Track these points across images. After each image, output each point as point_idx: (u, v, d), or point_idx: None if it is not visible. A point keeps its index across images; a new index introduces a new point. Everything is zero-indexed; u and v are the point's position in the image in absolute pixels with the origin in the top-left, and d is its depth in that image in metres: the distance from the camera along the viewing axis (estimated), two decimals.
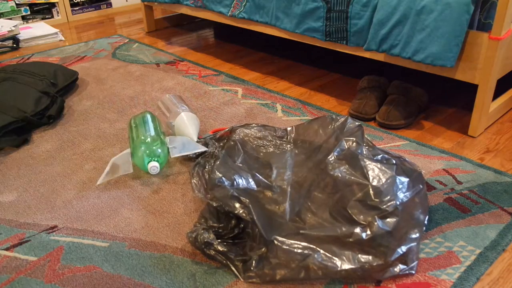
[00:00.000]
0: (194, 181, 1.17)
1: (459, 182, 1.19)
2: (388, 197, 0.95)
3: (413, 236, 0.94)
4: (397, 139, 1.41)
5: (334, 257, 0.90)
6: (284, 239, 0.92)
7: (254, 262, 0.90)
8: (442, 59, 1.33)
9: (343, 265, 0.89)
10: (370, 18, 1.49)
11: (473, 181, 1.20)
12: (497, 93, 1.47)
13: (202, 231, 0.97)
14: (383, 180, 0.98)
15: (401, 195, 0.97)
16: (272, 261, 0.89)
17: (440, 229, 1.04)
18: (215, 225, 1.00)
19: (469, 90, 1.72)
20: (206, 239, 0.95)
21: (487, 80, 1.33)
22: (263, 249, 0.91)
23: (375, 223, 0.92)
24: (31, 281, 0.95)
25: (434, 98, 1.69)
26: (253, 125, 1.34)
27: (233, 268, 0.92)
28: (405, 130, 1.48)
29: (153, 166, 1.23)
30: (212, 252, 0.95)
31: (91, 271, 0.96)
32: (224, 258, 0.94)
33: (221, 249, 0.94)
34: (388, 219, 0.92)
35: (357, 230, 0.92)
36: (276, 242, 0.91)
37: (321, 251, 0.90)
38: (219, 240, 0.95)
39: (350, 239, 0.92)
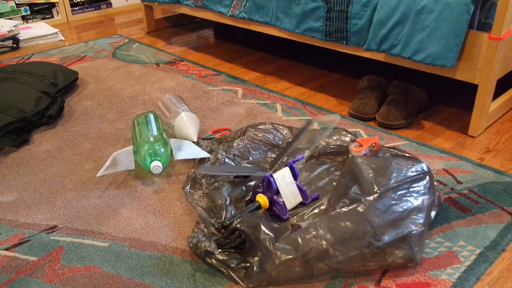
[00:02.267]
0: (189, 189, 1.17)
1: (459, 182, 1.19)
2: (379, 184, 0.96)
3: (412, 225, 0.92)
4: (397, 139, 1.41)
5: (333, 250, 0.89)
6: (284, 240, 0.92)
7: (255, 267, 0.89)
8: (442, 59, 1.33)
9: (342, 256, 0.88)
10: (370, 18, 1.49)
11: (473, 181, 1.20)
12: (497, 93, 1.47)
13: (204, 238, 0.97)
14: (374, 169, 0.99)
15: (394, 182, 0.97)
16: (274, 264, 0.89)
17: (440, 229, 1.04)
18: (215, 232, 1.00)
19: (469, 90, 1.72)
20: (207, 248, 0.94)
21: (487, 80, 1.33)
22: (263, 253, 0.90)
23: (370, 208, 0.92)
24: (31, 281, 0.94)
25: (434, 98, 1.69)
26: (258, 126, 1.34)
27: (235, 277, 0.91)
28: (405, 130, 1.48)
29: (156, 165, 1.23)
30: (214, 261, 0.94)
31: (91, 271, 0.96)
32: (225, 268, 0.93)
33: (222, 258, 0.93)
34: (381, 206, 0.92)
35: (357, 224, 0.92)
36: (276, 244, 0.91)
37: (323, 243, 0.90)
38: (220, 250, 0.95)
39: (348, 232, 0.92)
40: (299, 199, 1.09)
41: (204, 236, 0.98)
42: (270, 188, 1.04)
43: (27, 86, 1.68)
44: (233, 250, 0.95)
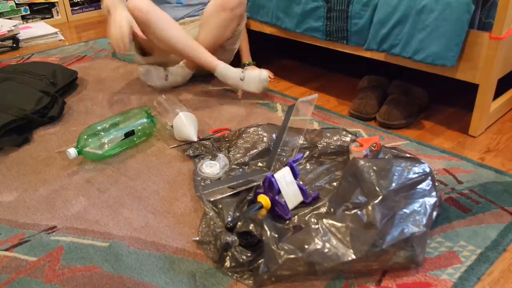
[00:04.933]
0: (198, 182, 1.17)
1: (459, 182, 1.19)
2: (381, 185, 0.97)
3: (414, 226, 0.92)
4: (398, 139, 1.41)
5: (336, 252, 0.89)
6: (287, 240, 0.92)
7: (260, 268, 0.90)
8: (443, 59, 1.33)
9: (346, 258, 0.88)
10: (370, 17, 1.49)
11: (473, 180, 1.20)
12: (498, 93, 1.47)
13: (225, 231, 0.97)
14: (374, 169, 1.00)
15: (393, 183, 0.98)
16: (277, 263, 0.89)
17: (441, 229, 1.03)
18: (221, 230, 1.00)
19: (470, 90, 1.72)
20: (228, 241, 0.93)
21: (488, 79, 1.33)
22: (267, 252, 0.90)
23: (371, 210, 0.93)
24: (31, 281, 0.94)
25: (434, 98, 1.68)
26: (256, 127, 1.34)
27: (245, 276, 0.92)
28: (405, 130, 1.48)
29: (68, 151, 1.31)
30: (229, 255, 0.94)
31: (91, 271, 0.96)
32: (238, 265, 0.92)
33: (238, 255, 0.93)
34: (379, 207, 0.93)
35: (355, 217, 0.93)
36: (279, 244, 0.91)
37: (327, 245, 0.90)
38: (239, 246, 0.94)
39: (349, 224, 0.92)
40: (300, 198, 1.09)
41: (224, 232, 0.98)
42: (272, 189, 1.04)
43: (27, 86, 1.68)
44: (249, 249, 0.95)
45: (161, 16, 1.62)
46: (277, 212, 1.04)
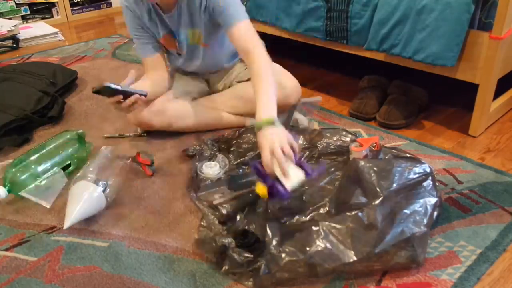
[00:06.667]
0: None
1: (459, 182, 1.19)
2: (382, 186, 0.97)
3: (415, 227, 0.93)
4: (398, 139, 1.41)
5: (337, 253, 0.89)
6: (289, 243, 0.92)
7: (261, 269, 0.90)
8: (443, 59, 1.33)
9: (347, 259, 0.89)
10: (370, 17, 1.49)
11: (473, 180, 1.20)
12: (498, 93, 1.47)
13: (222, 232, 0.96)
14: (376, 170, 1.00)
15: (394, 183, 0.98)
16: (279, 265, 0.89)
17: (441, 229, 1.03)
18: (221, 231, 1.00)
19: (470, 90, 1.72)
20: (224, 243, 0.93)
21: (488, 79, 1.33)
22: (269, 254, 0.90)
23: (372, 211, 0.93)
24: (31, 281, 0.94)
25: (434, 98, 1.68)
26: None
27: (245, 278, 0.92)
28: (405, 130, 1.48)
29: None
30: (226, 257, 0.93)
31: (91, 271, 0.96)
32: (236, 275, 0.92)
33: (236, 256, 0.92)
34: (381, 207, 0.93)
35: (355, 218, 0.93)
36: (281, 246, 0.91)
37: (328, 246, 0.90)
38: (236, 247, 0.94)
39: (350, 224, 0.92)
40: (300, 175, 1.00)
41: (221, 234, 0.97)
42: (263, 176, 1.00)
43: (27, 86, 1.68)
44: (246, 249, 0.94)
45: (177, 115, 1.46)
46: (276, 196, 0.99)
